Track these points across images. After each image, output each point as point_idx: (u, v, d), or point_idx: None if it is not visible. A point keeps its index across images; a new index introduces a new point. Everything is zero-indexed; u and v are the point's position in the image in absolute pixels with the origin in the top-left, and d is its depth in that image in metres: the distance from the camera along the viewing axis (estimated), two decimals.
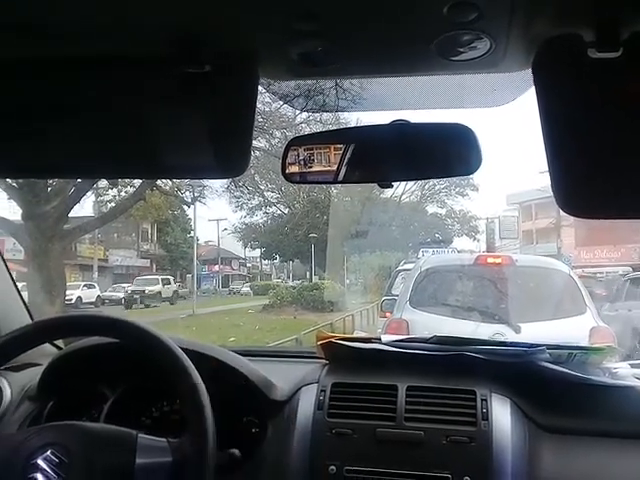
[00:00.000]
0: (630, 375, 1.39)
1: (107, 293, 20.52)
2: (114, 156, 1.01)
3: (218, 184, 16.85)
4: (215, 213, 28.18)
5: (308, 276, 21.65)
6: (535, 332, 4.16)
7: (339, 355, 1.49)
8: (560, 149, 0.84)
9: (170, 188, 16.12)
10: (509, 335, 4.24)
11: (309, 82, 1.12)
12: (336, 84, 1.13)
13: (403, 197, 24.30)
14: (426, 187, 24.56)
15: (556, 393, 1.34)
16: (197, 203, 18.04)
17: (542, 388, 1.35)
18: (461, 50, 0.89)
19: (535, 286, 4.86)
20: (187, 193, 17.46)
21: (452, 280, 5.12)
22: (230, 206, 22.76)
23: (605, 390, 1.34)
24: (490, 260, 5.22)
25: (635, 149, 0.82)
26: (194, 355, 1.10)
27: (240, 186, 17.70)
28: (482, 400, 1.29)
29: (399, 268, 8.00)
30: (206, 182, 15.93)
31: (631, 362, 1.50)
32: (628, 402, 1.31)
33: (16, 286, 1.74)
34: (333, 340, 1.50)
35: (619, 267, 14.07)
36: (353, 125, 1.25)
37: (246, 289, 24.30)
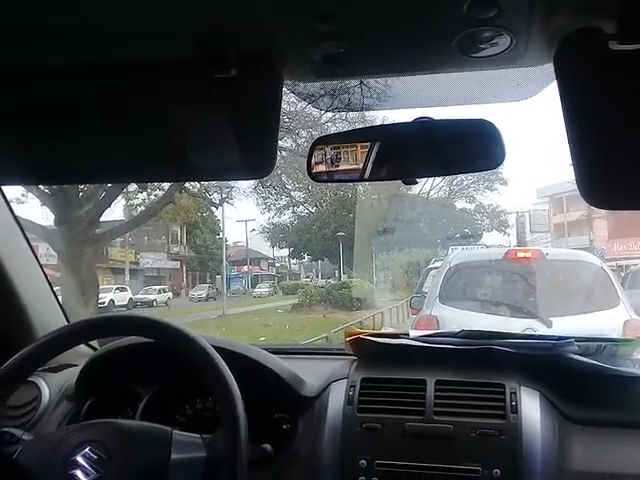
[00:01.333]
0: None
1: (139, 295, 20.79)
2: (143, 160, 1.03)
3: (245, 185, 16.96)
4: (243, 214, 28.33)
5: (337, 275, 21.64)
6: (567, 326, 4.12)
7: (368, 351, 1.51)
8: (583, 141, 0.84)
9: (198, 190, 16.27)
10: (541, 329, 4.17)
11: (334, 82, 1.13)
12: (361, 83, 1.14)
13: (431, 193, 24.14)
14: (454, 182, 24.36)
15: (585, 385, 1.34)
16: (225, 204, 18.16)
17: (571, 380, 1.35)
18: (482, 47, 0.89)
19: (566, 279, 4.80)
20: (215, 195, 17.61)
21: (481, 275, 5.07)
22: (258, 207, 22.90)
23: (634, 381, 1.33)
24: (520, 254, 5.16)
25: None
26: (226, 354, 1.13)
27: (267, 186, 17.76)
28: (511, 393, 1.30)
29: (430, 266, 7.92)
30: (233, 183, 16.04)
31: None
32: None
33: (52, 289, 1.79)
34: (361, 336, 1.51)
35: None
36: (378, 123, 1.26)
37: (263, 290, 24.67)
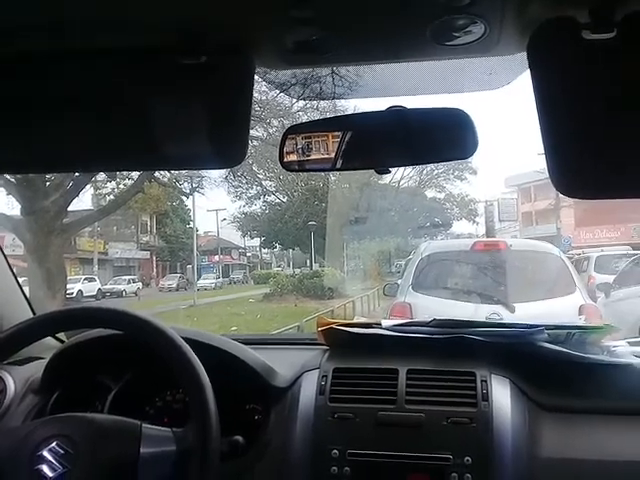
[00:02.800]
0: (628, 353, 1.40)
1: (108, 286, 20.59)
2: (111, 149, 1.01)
3: (216, 174, 16.85)
4: (214, 203, 28.13)
5: (308, 264, 21.67)
6: (529, 311, 4.37)
7: (340, 341, 1.50)
8: (555, 130, 0.85)
9: (168, 180, 16.13)
10: (505, 315, 4.45)
11: (305, 70, 1.12)
12: (332, 71, 1.13)
13: (402, 182, 24.30)
14: (424, 172, 24.56)
15: (555, 372, 1.35)
16: (196, 194, 18.04)
17: (541, 368, 1.36)
18: (456, 35, 0.89)
19: (528, 268, 5.14)
20: (185, 184, 17.47)
21: (451, 265, 5.37)
22: (229, 196, 22.78)
23: (604, 368, 1.35)
24: (485, 245, 5.53)
25: (629, 129, 0.83)
26: (196, 344, 1.11)
27: (238, 176, 17.70)
28: (482, 381, 1.31)
29: (409, 257, 8.24)
30: (204, 172, 15.95)
31: (629, 340, 1.51)
32: (627, 380, 1.33)
33: (17, 281, 1.74)
34: (334, 326, 1.51)
35: (618, 247, 14.19)
36: (350, 112, 1.25)
37: (208, 282, 24.09)
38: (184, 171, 15.61)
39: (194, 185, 16.92)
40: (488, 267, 5.22)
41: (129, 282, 21.90)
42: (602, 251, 11.74)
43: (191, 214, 22.61)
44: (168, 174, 15.26)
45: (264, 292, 17.56)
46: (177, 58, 0.89)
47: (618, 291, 7.52)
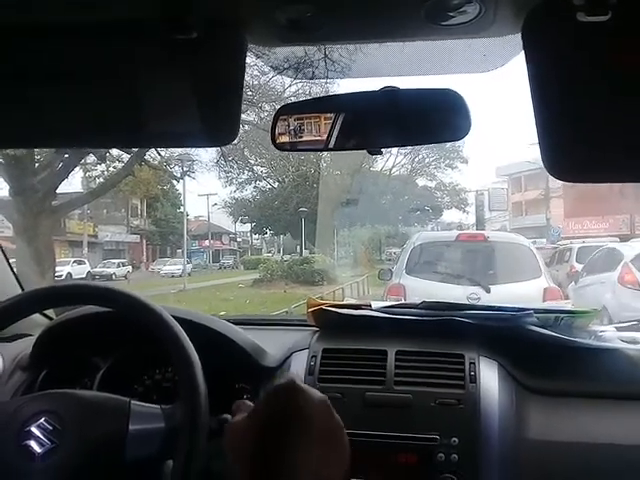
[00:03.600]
0: (615, 338, 1.42)
1: (97, 269, 20.52)
2: (99, 125, 0.99)
3: (207, 158, 16.76)
4: (205, 188, 28.03)
5: (299, 250, 21.69)
6: (501, 292, 5.51)
7: (330, 322, 1.51)
8: (549, 112, 0.85)
9: (159, 163, 16.03)
10: (482, 295, 5.52)
11: (299, 50, 1.11)
12: (325, 52, 1.12)
13: (393, 170, 24.30)
14: (416, 160, 24.59)
15: (543, 356, 1.37)
16: (186, 178, 17.96)
17: (529, 351, 1.37)
18: (451, 15, 0.88)
19: (502, 257, 6.12)
20: (176, 168, 17.36)
21: (439, 253, 6.38)
22: (220, 181, 22.66)
23: (591, 352, 1.37)
24: (468, 237, 6.64)
25: (623, 113, 0.83)
26: (187, 324, 1.11)
27: (229, 160, 17.60)
28: (470, 363, 1.32)
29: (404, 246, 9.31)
30: (195, 156, 15.87)
31: (617, 325, 1.53)
32: (613, 364, 1.34)
33: (7, 258, 1.74)
34: (324, 307, 1.52)
35: (606, 238, 14.41)
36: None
37: (175, 268, 22.45)
38: (175, 154, 15.53)
39: (185, 169, 16.82)
40: (469, 255, 6.21)
41: (119, 265, 21.82)
42: (584, 242, 12.54)
43: (182, 198, 22.50)
44: (159, 157, 15.18)
45: (254, 277, 17.56)
46: (168, 33, 0.88)
47: (585, 278, 8.53)
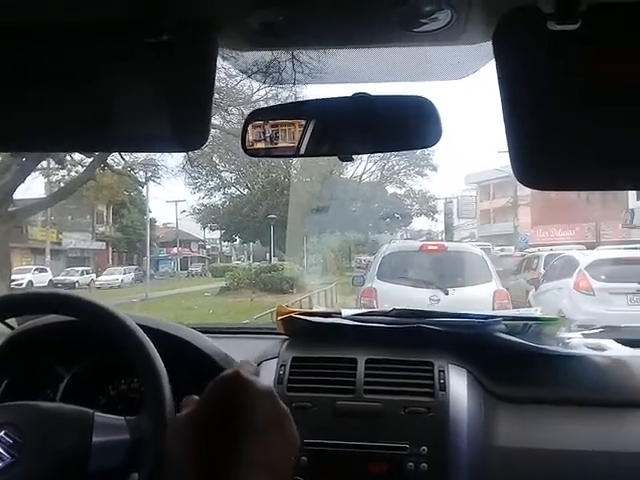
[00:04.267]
0: (582, 345, 1.44)
1: (60, 277, 20.12)
2: (65, 128, 0.98)
3: (173, 164, 16.60)
4: (173, 195, 27.77)
5: (268, 257, 21.61)
6: (458, 294, 6.51)
7: (299, 330, 1.51)
8: (519, 120, 0.86)
9: (123, 167, 15.83)
10: (441, 297, 6.53)
11: (270, 55, 1.11)
12: (294, 57, 1.12)
13: (363, 177, 24.41)
14: (386, 167, 24.73)
15: (511, 363, 1.38)
16: (152, 184, 17.75)
17: (498, 358, 1.39)
18: (422, 21, 0.89)
19: (459, 264, 7.21)
20: (141, 173, 17.16)
21: (405, 261, 7.41)
22: (188, 187, 22.46)
23: (558, 359, 1.39)
24: (430, 247, 7.82)
25: (593, 122, 0.84)
26: (153, 332, 1.09)
27: (196, 165, 17.48)
28: (439, 371, 1.32)
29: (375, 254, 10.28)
30: (160, 162, 15.70)
31: (584, 332, 1.55)
32: (580, 371, 1.37)
33: None
34: (293, 315, 1.51)
35: (572, 245, 14.78)
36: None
37: (112, 278, 21.98)
38: (139, 159, 15.33)
39: (148, 174, 16.62)
40: (431, 263, 7.24)
41: (82, 273, 21.45)
42: (551, 250, 13.06)
43: (150, 205, 22.26)
44: (122, 162, 14.98)
45: (221, 286, 17.32)
46: (137, 35, 0.86)
47: (544, 284, 9.22)
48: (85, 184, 13.98)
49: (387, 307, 1.55)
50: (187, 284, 21.09)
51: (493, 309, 5.92)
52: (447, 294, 6.53)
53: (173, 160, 16.59)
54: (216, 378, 0.77)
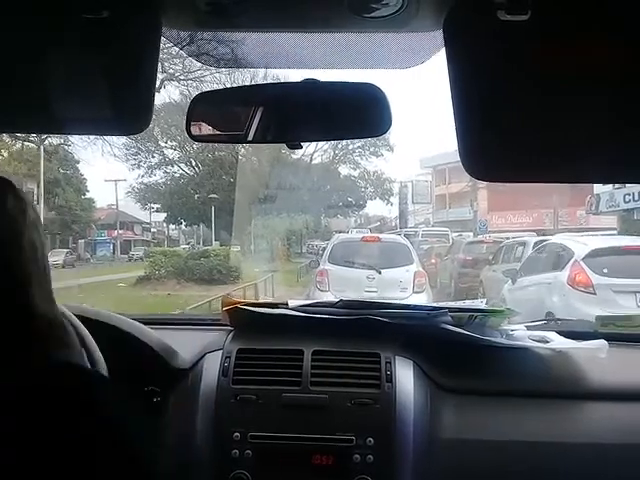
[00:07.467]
0: (525, 337, 1.51)
1: None
2: (6, 108, 0.97)
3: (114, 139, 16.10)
4: (113, 173, 26.93)
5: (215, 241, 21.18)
6: (388, 273, 8.66)
7: (245, 321, 1.53)
8: (467, 111, 0.89)
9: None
10: (375, 276, 8.65)
11: (217, 36, 1.11)
12: (241, 40, 1.12)
13: (314, 157, 24.20)
14: (339, 146, 24.52)
15: (456, 355, 1.43)
16: (83, 161, 16.87)
17: (443, 350, 1.44)
18: (373, 6, 0.92)
19: (389, 251, 9.30)
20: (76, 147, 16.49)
21: (350, 248, 9.44)
22: (125, 164, 21.81)
23: (502, 351, 1.45)
24: (368, 239, 9.98)
25: (542, 113, 0.87)
26: (91, 323, 1.10)
27: (136, 140, 16.97)
28: (386, 363, 1.37)
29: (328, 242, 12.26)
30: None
31: (527, 324, 1.62)
32: (523, 363, 1.44)
33: None
34: (239, 306, 1.53)
35: (525, 233, 14.85)
36: (261, 79, 1.25)
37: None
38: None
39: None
40: (369, 250, 9.29)
41: None
42: (507, 239, 12.41)
43: (88, 184, 21.57)
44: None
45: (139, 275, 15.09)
46: (77, 11, 0.86)
47: (523, 278, 8.20)
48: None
49: (334, 298, 1.58)
50: (116, 270, 18.42)
51: (414, 286, 8.48)
52: (380, 273, 8.67)
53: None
54: None
